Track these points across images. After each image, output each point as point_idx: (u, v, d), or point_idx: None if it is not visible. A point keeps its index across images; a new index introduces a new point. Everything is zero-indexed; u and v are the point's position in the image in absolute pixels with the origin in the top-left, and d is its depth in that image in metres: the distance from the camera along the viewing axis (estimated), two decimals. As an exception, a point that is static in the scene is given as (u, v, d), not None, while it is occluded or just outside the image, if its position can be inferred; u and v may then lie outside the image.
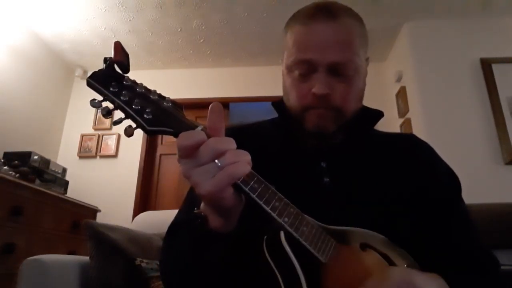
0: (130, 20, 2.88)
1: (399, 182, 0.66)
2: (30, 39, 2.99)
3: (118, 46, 0.48)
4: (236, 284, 0.58)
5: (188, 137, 0.43)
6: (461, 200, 0.69)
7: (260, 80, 3.43)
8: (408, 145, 0.73)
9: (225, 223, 0.49)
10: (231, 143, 0.44)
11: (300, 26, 0.65)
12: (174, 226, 0.66)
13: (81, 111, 3.43)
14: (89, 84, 0.47)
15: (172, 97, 0.50)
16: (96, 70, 0.48)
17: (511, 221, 1.32)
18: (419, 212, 0.64)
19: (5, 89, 2.74)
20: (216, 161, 0.43)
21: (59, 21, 2.89)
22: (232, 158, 0.43)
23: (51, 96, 3.29)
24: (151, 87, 0.50)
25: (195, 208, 0.52)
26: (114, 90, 0.47)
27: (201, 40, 3.15)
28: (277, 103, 0.75)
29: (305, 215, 0.51)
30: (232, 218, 0.50)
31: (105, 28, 2.98)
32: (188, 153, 0.43)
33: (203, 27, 2.97)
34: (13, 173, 2.16)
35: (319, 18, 0.64)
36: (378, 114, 0.73)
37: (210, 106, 0.47)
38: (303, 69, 0.64)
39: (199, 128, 0.46)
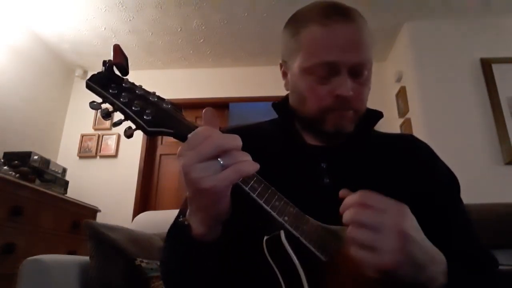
0: (130, 20, 2.88)
1: (399, 182, 0.66)
2: (30, 39, 2.99)
3: (117, 49, 0.48)
4: (235, 285, 0.59)
5: (208, 129, 0.45)
6: (460, 200, 0.70)
7: (260, 80, 3.43)
8: (408, 146, 0.73)
9: (208, 231, 0.50)
10: (236, 139, 0.45)
11: (319, 27, 0.63)
12: (170, 229, 0.67)
13: (81, 111, 3.43)
14: (88, 87, 0.48)
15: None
16: (96, 72, 0.48)
17: (511, 221, 1.32)
18: (418, 213, 0.64)
19: (5, 89, 2.74)
20: (219, 159, 0.43)
21: (59, 21, 2.89)
22: (239, 156, 0.44)
23: (51, 96, 3.29)
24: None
25: (181, 217, 0.53)
26: (113, 92, 0.47)
27: (201, 40, 3.15)
28: (277, 104, 0.75)
29: (305, 214, 0.51)
30: (216, 226, 0.51)
31: (105, 28, 2.98)
32: (198, 145, 0.43)
33: (203, 27, 2.97)
34: (13, 173, 2.16)
35: (337, 18, 0.63)
36: (378, 115, 0.73)
37: (203, 112, 0.48)
38: (325, 71, 0.63)
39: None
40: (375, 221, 0.43)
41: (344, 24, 0.63)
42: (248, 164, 0.44)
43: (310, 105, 0.66)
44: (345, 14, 0.64)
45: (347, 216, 0.45)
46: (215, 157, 0.43)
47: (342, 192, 0.50)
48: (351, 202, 0.46)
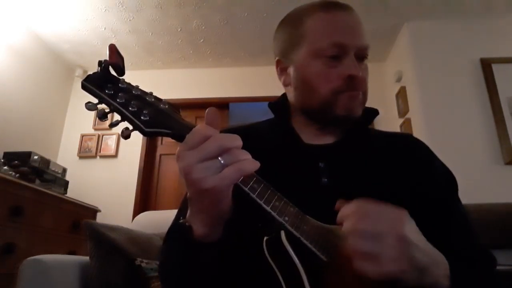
0: (130, 20, 2.88)
1: (397, 181, 0.66)
2: (30, 39, 2.99)
3: (113, 49, 0.48)
4: (235, 286, 0.58)
5: (207, 129, 0.44)
6: (457, 199, 0.70)
7: (260, 80, 3.43)
8: (406, 145, 0.74)
9: (210, 232, 0.50)
10: (237, 139, 0.45)
11: (324, 13, 0.68)
12: (170, 230, 0.66)
13: (81, 111, 3.42)
14: (84, 87, 0.47)
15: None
16: (91, 73, 0.48)
17: (511, 221, 1.32)
18: (416, 211, 0.64)
19: (5, 89, 2.74)
20: (219, 158, 0.43)
21: (59, 21, 2.89)
22: (240, 155, 0.44)
23: (51, 96, 3.28)
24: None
25: (181, 218, 0.53)
26: (109, 92, 0.47)
27: (201, 40, 3.15)
28: (274, 103, 0.75)
29: (305, 214, 0.51)
30: (217, 227, 0.50)
31: (105, 28, 2.98)
32: (198, 144, 0.43)
33: (203, 27, 2.97)
34: (13, 173, 2.16)
35: (338, 7, 0.68)
36: (374, 113, 0.73)
37: (206, 112, 0.48)
38: (334, 52, 0.65)
39: None
40: (374, 229, 0.43)
41: (345, 12, 0.68)
42: (248, 163, 0.44)
43: (321, 90, 0.66)
44: (344, 6, 0.69)
45: (345, 226, 0.45)
46: (216, 156, 0.43)
47: (338, 204, 0.50)
48: (348, 212, 0.46)
